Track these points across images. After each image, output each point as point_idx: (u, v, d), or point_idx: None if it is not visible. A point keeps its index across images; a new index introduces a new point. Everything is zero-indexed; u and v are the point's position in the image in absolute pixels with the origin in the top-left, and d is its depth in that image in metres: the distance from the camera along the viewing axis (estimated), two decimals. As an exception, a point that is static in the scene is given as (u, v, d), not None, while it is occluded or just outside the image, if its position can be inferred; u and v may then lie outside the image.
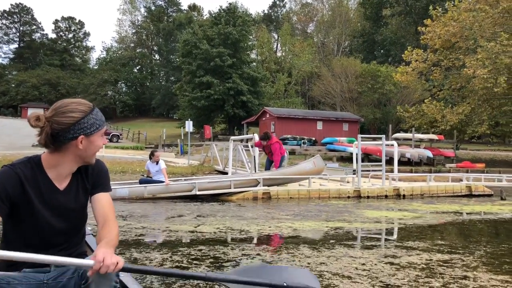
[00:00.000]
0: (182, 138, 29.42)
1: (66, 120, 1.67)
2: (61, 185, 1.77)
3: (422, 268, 4.05)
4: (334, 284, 3.51)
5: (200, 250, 4.73)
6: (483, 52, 24.53)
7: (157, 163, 10.08)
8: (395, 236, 6.04)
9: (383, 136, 12.16)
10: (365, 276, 3.74)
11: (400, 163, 24.11)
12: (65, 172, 1.77)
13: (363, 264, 4.16)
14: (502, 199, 11.44)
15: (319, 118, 32.63)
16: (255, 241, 5.41)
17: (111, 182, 1.96)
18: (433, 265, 4.15)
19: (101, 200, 1.82)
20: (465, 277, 3.75)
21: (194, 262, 4.18)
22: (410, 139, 27.77)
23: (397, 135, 29.26)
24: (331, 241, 5.33)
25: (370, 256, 4.49)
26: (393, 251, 4.78)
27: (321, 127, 32.05)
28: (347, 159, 24.32)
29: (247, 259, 4.34)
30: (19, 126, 47.76)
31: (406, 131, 31.87)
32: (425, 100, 29.96)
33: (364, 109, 42.36)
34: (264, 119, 33.60)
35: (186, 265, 4.03)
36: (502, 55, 23.94)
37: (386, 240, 5.73)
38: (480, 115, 27.04)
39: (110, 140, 35.96)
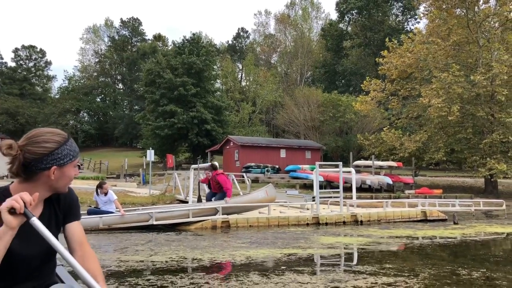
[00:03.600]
0: (144, 167, 29.07)
1: (39, 150, 1.63)
2: (35, 214, 1.68)
3: (365, 291, 4.14)
4: (277, 309, 3.54)
5: (148, 279, 4.66)
6: (437, 82, 25.64)
7: (105, 194, 9.89)
8: (345, 261, 6.14)
9: (340, 163, 12.43)
10: (309, 300, 3.78)
11: (361, 190, 24.57)
12: (37, 201, 1.68)
13: (309, 289, 4.21)
14: (454, 223, 11.80)
15: (282, 146, 32.98)
16: (206, 270, 5.37)
17: None
18: (376, 288, 4.25)
19: (76, 228, 1.79)
20: (405, 299, 3.85)
21: (140, 292, 4.12)
22: (371, 166, 28.41)
23: (357, 162, 29.84)
24: (282, 267, 5.36)
25: (318, 281, 4.54)
26: (341, 276, 4.86)
27: (284, 155, 32.35)
28: (309, 186, 24.56)
29: (193, 287, 4.31)
30: (-26, 157, 45.99)
31: (366, 159, 32.58)
32: (384, 129, 30.81)
33: (326, 137, 43.15)
34: (228, 147, 33.66)
35: (130, 295, 3.96)
36: (455, 85, 25.06)
37: (336, 265, 5.80)
38: (436, 142, 27.97)
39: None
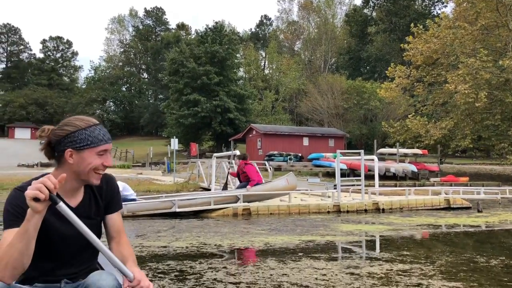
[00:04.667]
0: (169, 156, 29.47)
1: (60, 132, 1.74)
2: (73, 202, 1.80)
3: (380, 277, 4.18)
4: (291, 293, 3.63)
5: (168, 264, 4.81)
6: (464, 68, 25.05)
7: None
8: (362, 248, 6.17)
9: (362, 151, 12.36)
10: (322, 285, 3.86)
11: (385, 177, 24.40)
12: (70, 189, 1.79)
13: (324, 274, 4.27)
14: (478, 211, 11.62)
15: (305, 134, 32.91)
16: (224, 255, 5.50)
17: None
18: (391, 275, 4.28)
19: (116, 219, 1.91)
20: (418, 285, 3.88)
21: (159, 275, 4.27)
22: (395, 154, 28.12)
23: (382, 150, 29.58)
24: (300, 253, 5.44)
25: (333, 267, 4.61)
26: (357, 262, 4.91)
27: (307, 143, 32.29)
28: (332, 174, 24.52)
29: (211, 271, 4.44)
30: (5, 146, 47.45)
31: (391, 146, 32.22)
32: (408, 116, 30.36)
33: (350, 124, 42.83)
34: (250, 136, 33.79)
35: (150, 278, 4.10)
36: (482, 70, 24.46)
37: (353, 252, 5.85)
38: (463, 129, 27.43)
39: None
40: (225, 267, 4.67)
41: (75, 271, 1.80)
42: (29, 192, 1.49)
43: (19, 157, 35.48)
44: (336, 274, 4.27)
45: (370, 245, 6.42)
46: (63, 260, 1.78)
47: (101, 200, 1.88)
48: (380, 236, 7.04)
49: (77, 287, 1.74)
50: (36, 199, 1.48)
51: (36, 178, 1.70)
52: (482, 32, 27.25)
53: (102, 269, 2.02)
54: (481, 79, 24.62)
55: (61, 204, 1.54)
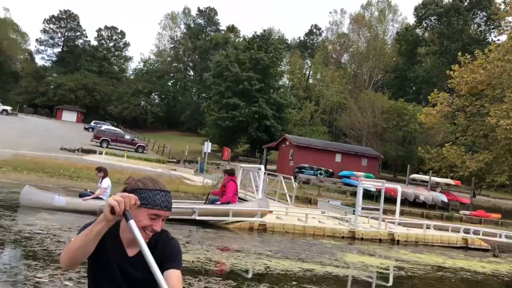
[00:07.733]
0: (203, 156, 30.28)
1: (134, 185, 1.99)
2: (131, 251, 1.92)
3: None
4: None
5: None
6: (509, 102, 24.52)
7: (101, 180, 10.04)
8: (353, 283, 6.47)
9: (384, 181, 12.53)
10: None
11: (415, 204, 24.15)
12: (128, 238, 1.91)
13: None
14: (494, 256, 11.56)
15: (338, 151, 32.92)
16: (225, 274, 5.95)
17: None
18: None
19: (170, 276, 1.87)
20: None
21: None
22: (427, 182, 27.77)
23: (414, 176, 29.28)
24: (293, 282, 5.83)
25: (318, 302, 4.98)
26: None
27: (339, 159, 32.30)
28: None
29: (206, 292, 4.91)
30: (52, 127, 49.66)
31: (425, 173, 31.74)
32: (446, 144, 29.86)
33: (387, 145, 42.34)
34: (284, 145, 34.14)
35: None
36: (528, 107, 23.86)
37: (344, 285, 6.16)
38: (501, 164, 26.78)
39: (136, 151, 37.04)
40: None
41: None
42: (110, 201, 1.75)
43: (63, 140, 37.18)
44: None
45: (364, 280, 6.70)
46: None
47: (155, 254, 1.95)
48: (379, 272, 7.30)
49: None
50: (112, 210, 1.73)
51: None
52: (532, 68, 26.51)
53: None
54: (525, 116, 24.01)
55: (132, 222, 1.75)
